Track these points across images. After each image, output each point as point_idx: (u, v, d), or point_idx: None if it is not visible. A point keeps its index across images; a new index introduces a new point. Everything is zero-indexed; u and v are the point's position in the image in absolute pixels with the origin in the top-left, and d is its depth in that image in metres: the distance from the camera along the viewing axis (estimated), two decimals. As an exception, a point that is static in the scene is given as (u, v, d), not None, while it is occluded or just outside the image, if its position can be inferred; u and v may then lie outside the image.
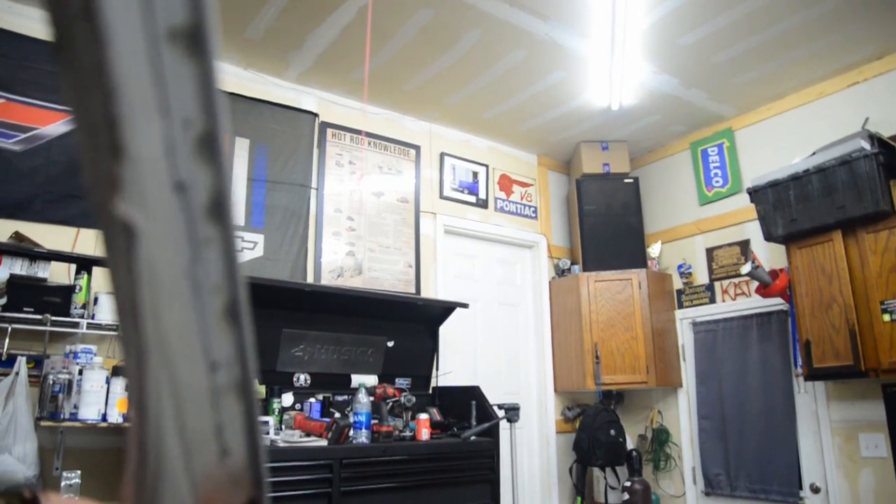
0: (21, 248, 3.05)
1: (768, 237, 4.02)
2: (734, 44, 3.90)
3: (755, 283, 4.31)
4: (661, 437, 4.99)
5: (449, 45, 3.89)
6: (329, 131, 4.38)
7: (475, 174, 5.08)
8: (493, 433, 3.51)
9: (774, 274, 4.14)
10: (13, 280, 2.88)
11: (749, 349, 4.54)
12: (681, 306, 5.07)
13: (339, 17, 3.60)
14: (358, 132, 4.48)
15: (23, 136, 3.32)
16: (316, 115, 4.35)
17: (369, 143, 4.52)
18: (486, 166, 5.17)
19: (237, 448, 0.36)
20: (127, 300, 0.31)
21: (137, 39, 0.26)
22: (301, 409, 3.37)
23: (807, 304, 3.81)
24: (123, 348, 0.33)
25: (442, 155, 4.93)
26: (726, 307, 4.76)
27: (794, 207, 3.82)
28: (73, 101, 0.27)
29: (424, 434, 3.37)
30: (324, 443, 3.00)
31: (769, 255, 4.43)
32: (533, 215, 5.39)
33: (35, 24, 3.45)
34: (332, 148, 4.36)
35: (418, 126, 4.87)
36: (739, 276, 4.60)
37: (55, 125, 3.41)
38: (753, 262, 4.15)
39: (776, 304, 4.34)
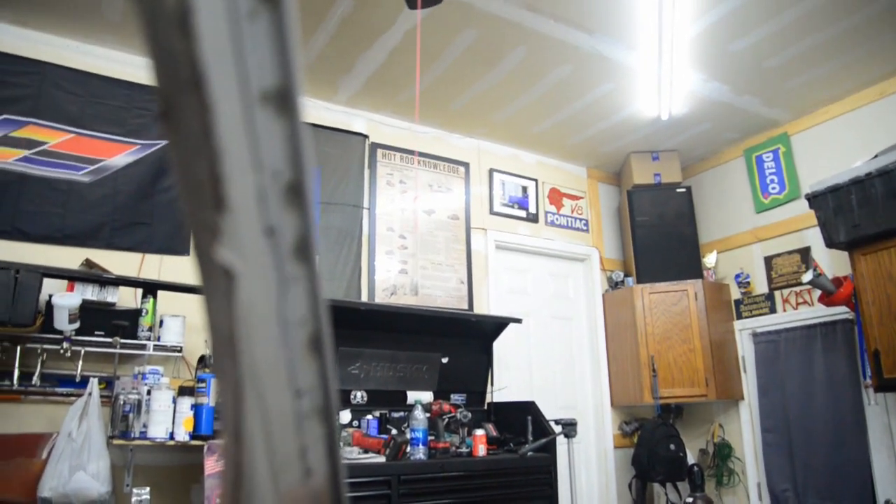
0: (91, 275, 3.20)
1: (830, 244, 3.90)
2: (787, 48, 3.82)
3: (817, 292, 4.17)
4: (723, 452, 4.86)
5: (495, 62, 3.93)
6: (379, 151, 4.46)
7: (525, 189, 5.09)
8: (551, 448, 3.49)
9: (838, 282, 4.00)
10: (85, 305, 3.02)
11: (814, 360, 4.39)
12: (739, 317, 4.95)
13: (387, 40, 3.68)
14: (409, 152, 4.55)
15: (91, 167, 3.49)
16: (366, 136, 4.44)
17: (419, 162, 4.59)
18: (536, 180, 5.17)
19: (319, 468, 0.39)
20: (225, 337, 0.34)
21: (235, 105, 0.29)
22: (358, 427, 3.42)
23: (874, 312, 3.67)
24: (220, 380, 0.36)
25: (491, 171, 4.96)
26: (788, 317, 4.62)
27: (856, 212, 3.69)
28: (178, 162, 0.30)
29: (481, 450, 3.37)
30: (382, 459, 3.04)
31: (832, 263, 4.30)
32: (584, 228, 5.36)
33: (103, 63, 3.64)
34: (383, 168, 4.44)
35: (466, 143, 4.92)
36: (801, 284, 4.47)
37: (120, 156, 3.57)
38: (815, 269, 4.03)
39: (841, 312, 4.19)
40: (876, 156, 3.75)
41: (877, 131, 4.13)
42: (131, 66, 3.71)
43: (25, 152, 3.34)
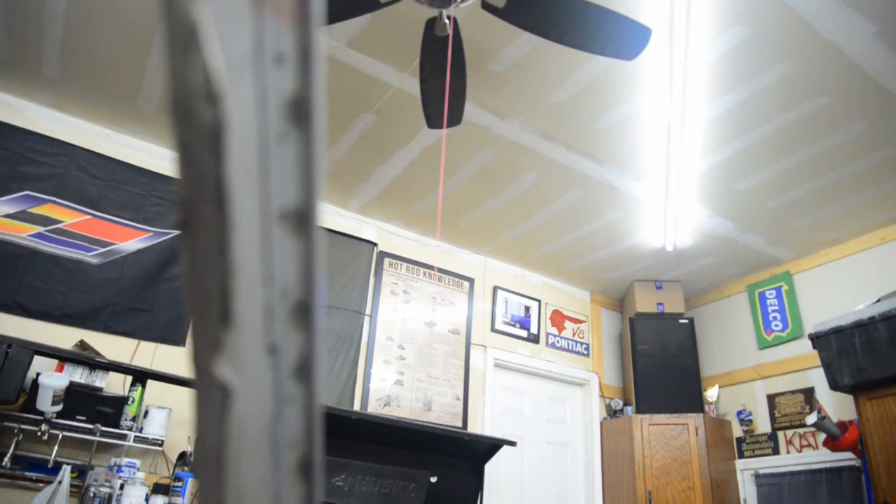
0: (83, 357, 3.14)
1: (834, 386, 3.82)
2: (790, 190, 3.93)
3: (822, 435, 4.05)
4: None
5: (506, 184, 4.04)
6: (386, 260, 4.50)
7: (527, 308, 5.08)
8: (538, 586, 3.27)
9: (843, 426, 3.89)
10: (72, 387, 2.95)
11: (819, 509, 4.19)
12: (741, 456, 4.78)
13: (405, 155, 3.81)
14: (423, 265, 4.59)
15: (101, 249, 3.52)
16: (375, 244, 4.50)
17: (424, 274, 4.62)
18: (539, 301, 5.18)
19: None
20: (212, 455, 0.32)
21: (254, 221, 0.29)
22: (337, 543, 3.23)
23: (881, 460, 3.54)
24: (202, 499, 0.34)
25: (495, 288, 4.97)
26: (792, 459, 4.46)
27: (860, 356, 3.65)
28: (189, 272, 0.30)
29: (464, 581, 3.16)
30: (358, 583, 2.85)
31: (836, 405, 4.20)
32: (585, 352, 5.30)
33: (128, 150, 3.77)
34: (388, 276, 4.47)
35: (473, 259, 4.97)
36: (804, 426, 4.35)
37: (132, 241, 3.61)
38: (819, 412, 3.93)
39: (847, 458, 4.04)
40: (879, 300, 3.75)
41: (879, 275, 4.16)
42: (155, 156, 3.84)
43: (40, 229, 3.39)
